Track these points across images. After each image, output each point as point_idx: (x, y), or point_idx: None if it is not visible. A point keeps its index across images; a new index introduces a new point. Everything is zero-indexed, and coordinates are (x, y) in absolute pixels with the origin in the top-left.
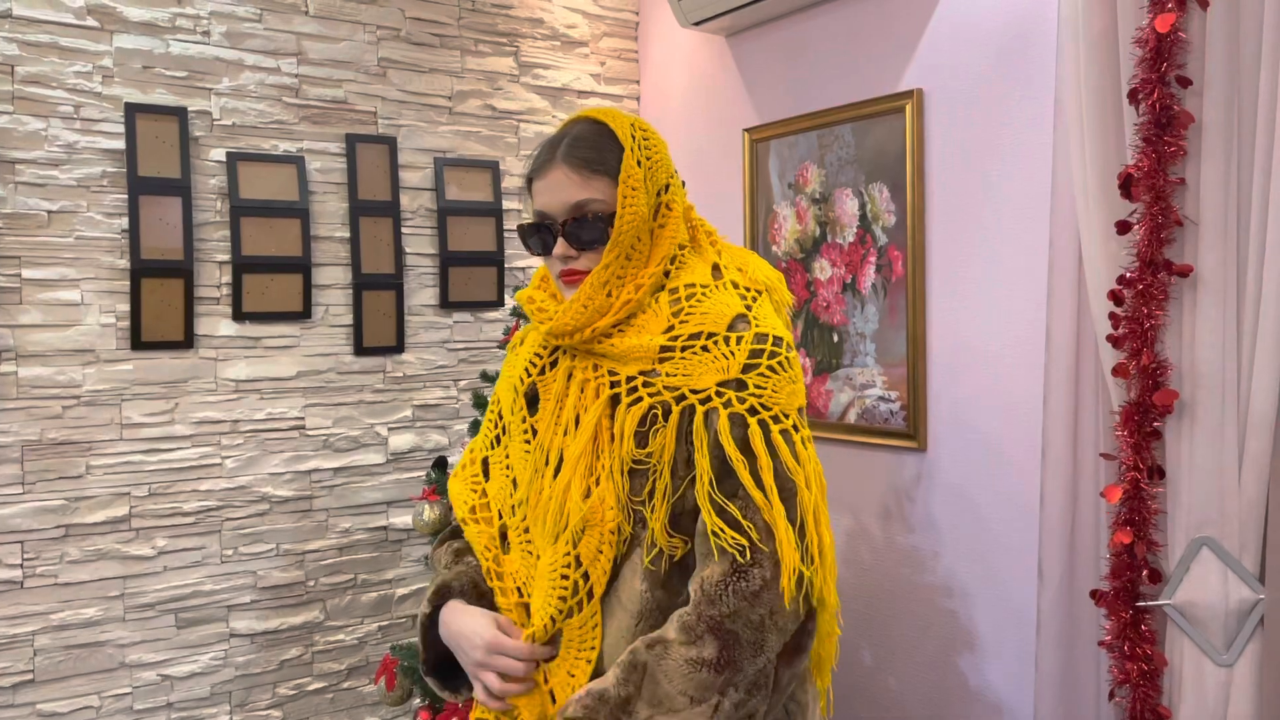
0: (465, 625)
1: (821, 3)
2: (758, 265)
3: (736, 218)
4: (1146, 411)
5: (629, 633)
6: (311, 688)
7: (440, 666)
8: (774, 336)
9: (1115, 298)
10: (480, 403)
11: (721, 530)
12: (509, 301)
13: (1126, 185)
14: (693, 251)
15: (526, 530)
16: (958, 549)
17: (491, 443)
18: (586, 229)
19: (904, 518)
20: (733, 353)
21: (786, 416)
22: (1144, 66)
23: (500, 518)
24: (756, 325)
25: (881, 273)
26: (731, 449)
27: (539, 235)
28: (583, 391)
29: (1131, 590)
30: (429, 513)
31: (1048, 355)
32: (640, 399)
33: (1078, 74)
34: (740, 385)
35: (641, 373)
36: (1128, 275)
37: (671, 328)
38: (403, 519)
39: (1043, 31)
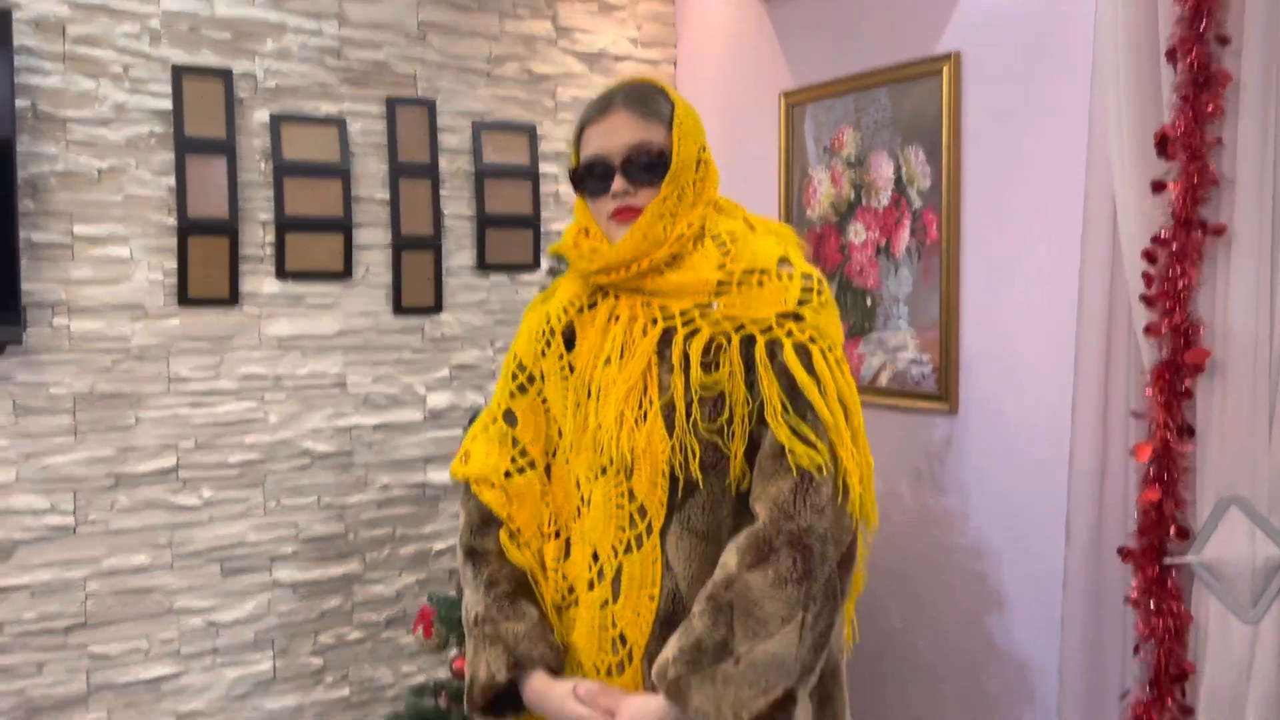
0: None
1: None
2: (780, 225)
3: (771, 182)
4: (1178, 370)
5: (713, 561)
6: (351, 637)
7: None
8: (816, 276)
9: (1149, 257)
10: None
11: (796, 448)
12: (544, 264)
13: (1162, 144)
14: (722, 211)
15: (567, 462)
16: (988, 511)
17: (513, 392)
18: (645, 164)
19: (934, 480)
20: (787, 288)
21: (835, 347)
22: (1183, 25)
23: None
24: (799, 266)
25: (916, 236)
26: (801, 373)
27: (594, 176)
28: (631, 324)
29: (1159, 547)
30: None
31: (1080, 314)
32: (699, 329)
33: (1115, 33)
34: (797, 317)
35: (696, 305)
36: (1162, 235)
37: (723, 265)
38: (440, 475)
39: None
